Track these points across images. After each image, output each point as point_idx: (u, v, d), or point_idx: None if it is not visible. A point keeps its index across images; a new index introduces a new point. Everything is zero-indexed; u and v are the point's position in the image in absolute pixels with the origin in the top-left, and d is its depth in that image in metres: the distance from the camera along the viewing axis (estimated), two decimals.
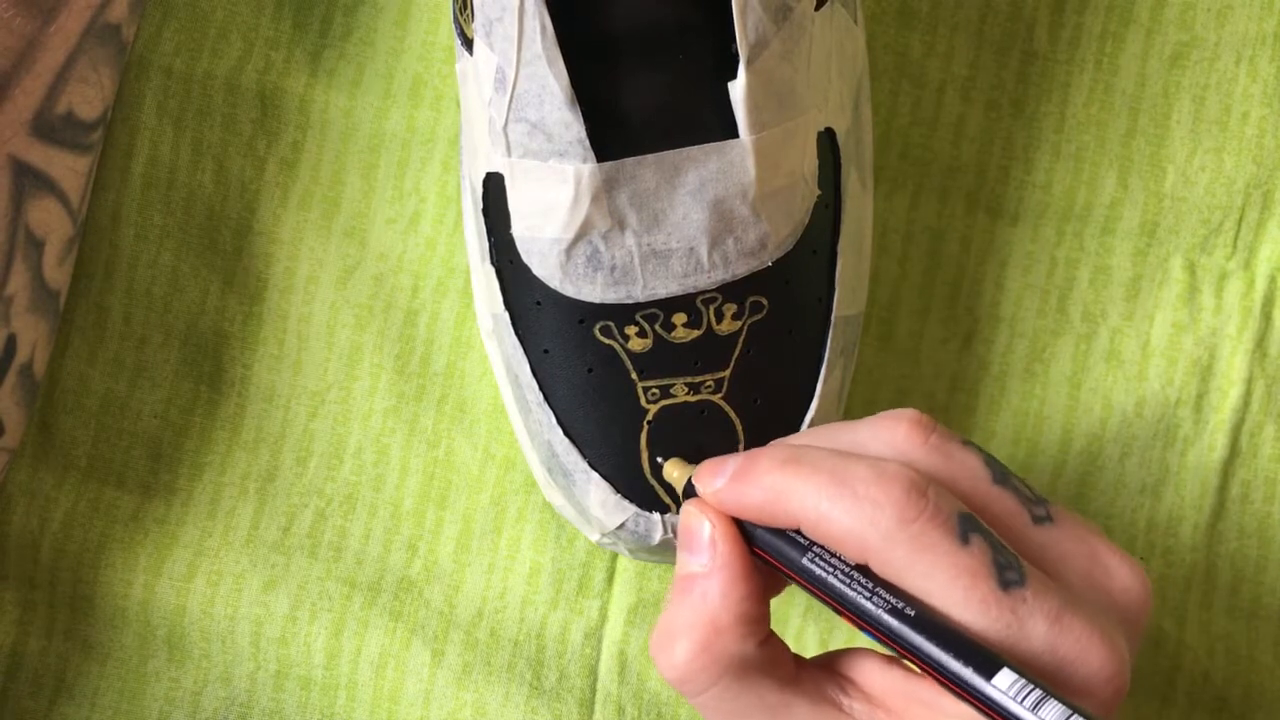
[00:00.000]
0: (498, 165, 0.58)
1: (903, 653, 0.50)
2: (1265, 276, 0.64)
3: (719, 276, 0.58)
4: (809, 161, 0.59)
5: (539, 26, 0.56)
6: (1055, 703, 0.48)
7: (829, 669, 0.53)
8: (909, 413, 0.52)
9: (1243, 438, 0.64)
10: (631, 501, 0.59)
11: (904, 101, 0.65)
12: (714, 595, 0.52)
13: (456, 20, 0.59)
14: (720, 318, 0.58)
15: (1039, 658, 0.50)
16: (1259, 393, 0.64)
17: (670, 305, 0.58)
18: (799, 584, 0.52)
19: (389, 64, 0.65)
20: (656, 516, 0.59)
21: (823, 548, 0.51)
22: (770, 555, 0.52)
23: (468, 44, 0.58)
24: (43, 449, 0.64)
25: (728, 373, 0.59)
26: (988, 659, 0.49)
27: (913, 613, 0.50)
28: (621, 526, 0.59)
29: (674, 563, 0.62)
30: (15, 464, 0.64)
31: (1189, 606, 0.64)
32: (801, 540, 0.52)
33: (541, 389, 0.60)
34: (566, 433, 0.59)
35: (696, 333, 0.58)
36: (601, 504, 0.59)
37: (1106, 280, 0.65)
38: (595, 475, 0.59)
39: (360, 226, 0.65)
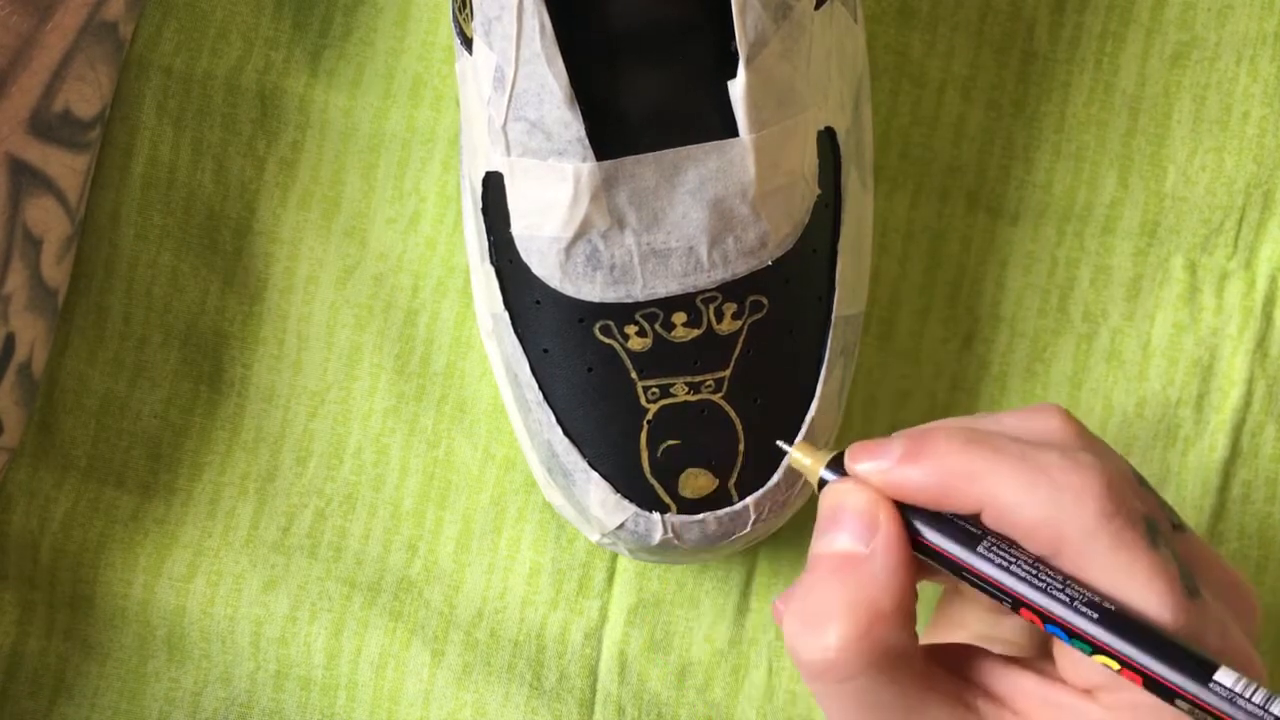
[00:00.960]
0: (497, 164, 0.58)
1: (1104, 649, 0.48)
2: (1266, 276, 0.64)
3: (719, 276, 0.58)
4: (809, 160, 0.59)
5: (538, 25, 0.56)
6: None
7: (949, 666, 0.51)
8: (1056, 407, 0.51)
9: (1244, 438, 0.64)
10: (631, 501, 0.59)
11: (904, 101, 0.65)
12: (877, 577, 0.49)
13: (456, 19, 0.59)
14: (720, 317, 0.58)
15: None
16: (1260, 393, 0.64)
17: (670, 304, 0.58)
18: (961, 574, 0.50)
19: (389, 64, 0.65)
20: (656, 516, 0.59)
21: (997, 537, 0.49)
22: (937, 543, 0.50)
23: (467, 43, 0.58)
24: (43, 449, 0.64)
25: (728, 372, 0.59)
26: (1203, 659, 0.47)
27: (1113, 608, 0.48)
28: (621, 526, 0.59)
29: (673, 562, 0.62)
30: (15, 464, 0.64)
31: None
32: (973, 529, 0.49)
33: (541, 388, 0.60)
34: (566, 432, 0.59)
35: (696, 332, 0.58)
36: (601, 504, 0.59)
37: (1107, 280, 0.64)
38: (595, 475, 0.59)
39: (360, 226, 0.65)
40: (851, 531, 0.50)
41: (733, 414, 0.59)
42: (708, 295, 0.58)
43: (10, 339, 0.60)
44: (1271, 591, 0.64)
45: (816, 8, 0.58)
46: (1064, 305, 0.64)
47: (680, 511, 0.59)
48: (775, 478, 0.59)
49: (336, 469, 0.64)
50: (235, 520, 0.64)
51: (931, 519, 0.50)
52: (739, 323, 0.58)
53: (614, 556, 0.64)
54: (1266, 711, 0.47)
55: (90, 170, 0.62)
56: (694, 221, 0.57)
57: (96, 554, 0.64)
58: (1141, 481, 0.51)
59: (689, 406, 0.59)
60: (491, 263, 0.60)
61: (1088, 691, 0.50)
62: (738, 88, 0.56)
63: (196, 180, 0.65)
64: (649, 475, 0.59)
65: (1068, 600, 0.48)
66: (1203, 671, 0.47)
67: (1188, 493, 0.64)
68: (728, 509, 0.59)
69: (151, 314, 0.64)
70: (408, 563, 0.64)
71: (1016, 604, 0.49)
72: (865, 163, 0.62)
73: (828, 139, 0.60)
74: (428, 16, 0.65)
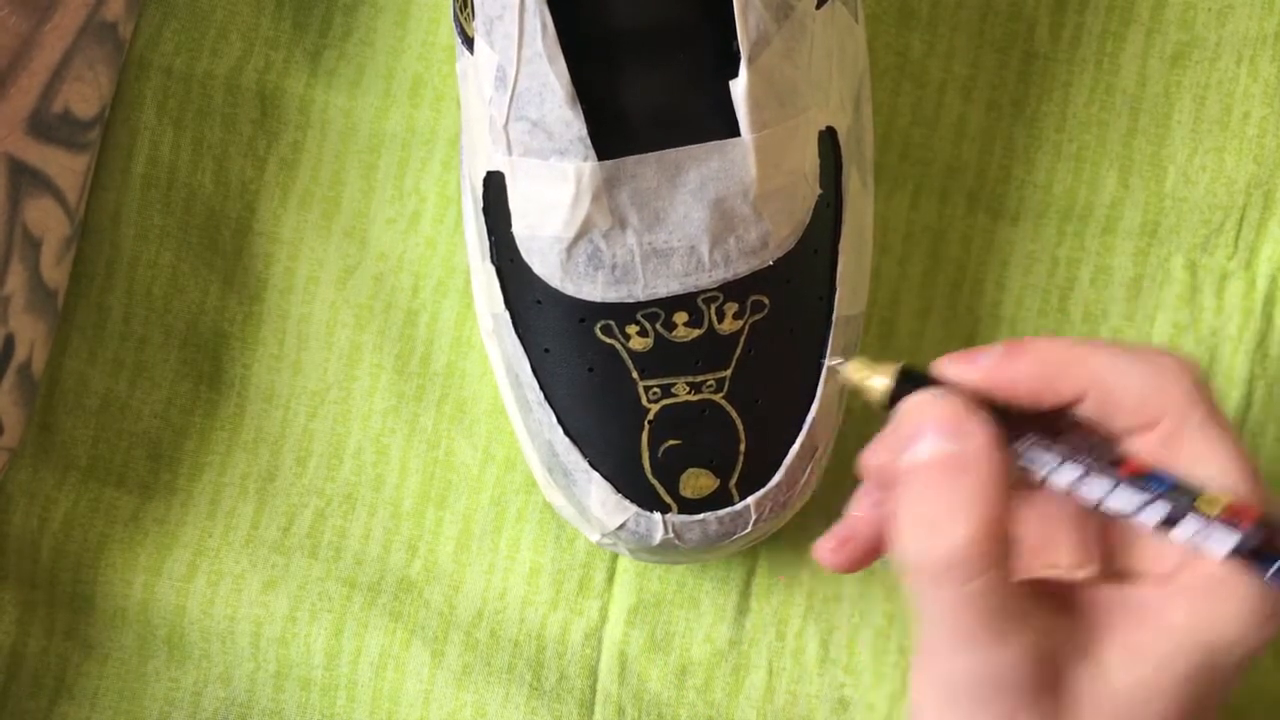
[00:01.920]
0: (498, 164, 0.58)
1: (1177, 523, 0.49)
2: (1266, 276, 0.64)
3: (720, 275, 0.58)
4: (810, 160, 0.59)
5: (539, 25, 0.56)
6: None
7: (1033, 583, 0.51)
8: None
9: (1244, 438, 0.64)
10: (632, 501, 0.59)
11: (904, 101, 0.65)
12: (987, 475, 0.49)
13: (457, 19, 0.59)
14: (721, 317, 0.58)
15: None
16: (1260, 393, 0.64)
17: (671, 304, 0.58)
18: (1047, 469, 0.50)
19: (389, 64, 0.65)
20: (657, 516, 0.59)
21: (1082, 440, 0.50)
22: (1026, 442, 0.50)
23: (468, 43, 0.58)
24: (43, 449, 0.64)
25: (729, 372, 0.59)
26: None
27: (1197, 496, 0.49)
28: (622, 526, 0.59)
29: (674, 562, 0.62)
30: (15, 464, 0.64)
31: None
32: (1053, 426, 0.51)
33: (542, 388, 0.60)
34: (567, 432, 0.59)
35: (698, 332, 0.58)
36: (602, 504, 0.59)
37: (1107, 280, 0.65)
38: (596, 475, 0.59)
39: (360, 226, 0.65)
40: (947, 435, 0.50)
41: (734, 414, 0.59)
42: (709, 295, 0.58)
43: (10, 339, 0.59)
44: None
45: (818, 7, 0.58)
46: (1064, 305, 0.64)
47: (681, 511, 0.59)
48: (776, 478, 0.59)
49: (336, 469, 0.64)
50: (235, 520, 0.64)
51: (1015, 419, 0.51)
52: (740, 322, 0.58)
53: (614, 556, 0.64)
54: None
55: (90, 171, 0.62)
56: (695, 221, 0.57)
57: (96, 554, 0.64)
58: None
59: (690, 406, 0.59)
60: (492, 262, 0.60)
61: (1163, 580, 0.50)
62: (739, 87, 0.56)
63: (196, 180, 0.65)
64: (650, 475, 0.59)
65: (1159, 492, 0.50)
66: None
67: None
68: (728, 509, 0.59)
69: (151, 314, 0.64)
70: (408, 563, 0.64)
71: (1111, 489, 0.50)
72: (866, 163, 0.62)
73: (829, 139, 0.60)
74: (428, 16, 0.65)
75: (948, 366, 0.51)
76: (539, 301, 0.59)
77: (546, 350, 0.59)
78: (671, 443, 0.59)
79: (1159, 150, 0.65)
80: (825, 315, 0.60)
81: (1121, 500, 0.50)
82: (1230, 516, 0.49)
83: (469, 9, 0.58)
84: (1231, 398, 0.64)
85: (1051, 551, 0.52)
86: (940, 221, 0.65)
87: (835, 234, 0.60)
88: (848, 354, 0.61)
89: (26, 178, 0.59)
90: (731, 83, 0.57)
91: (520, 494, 0.64)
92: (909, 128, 0.65)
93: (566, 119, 0.56)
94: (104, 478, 0.64)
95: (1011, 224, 0.65)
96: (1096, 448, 0.51)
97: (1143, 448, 0.50)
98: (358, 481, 0.64)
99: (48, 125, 0.59)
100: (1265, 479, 0.64)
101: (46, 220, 0.60)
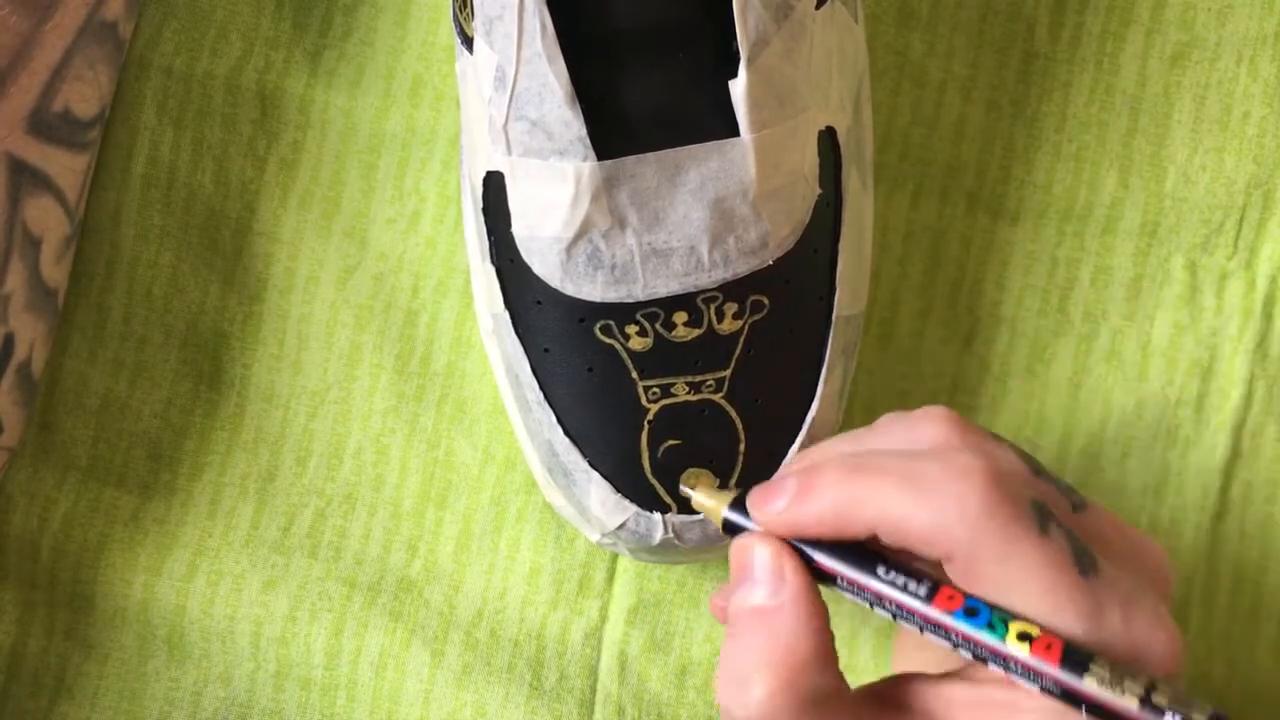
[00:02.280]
0: (498, 164, 0.58)
1: (1002, 660, 0.49)
2: (1266, 277, 0.64)
3: (720, 275, 0.58)
4: (810, 160, 0.59)
5: (539, 24, 0.56)
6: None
7: (882, 699, 0.52)
8: (940, 410, 0.52)
9: (1244, 439, 0.64)
10: (632, 501, 0.59)
11: (904, 101, 0.65)
12: (791, 627, 0.50)
13: (456, 19, 0.59)
14: (721, 317, 0.58)
15: (1116, 644, 0.49)
16: (1260, 393, 0.64)
17: (671, 304, 0.58)
18: (871, 602, 0.51)
19: (389, 64, 0.65)
20: (657, 516, 0.59)
21: (893, 562, 0.50)
22: (841, 573, 0.51)
23: (468, 43, 0.58)
24: (43, 449, 0.64)
25: (728, 372, 0.59)
26: (1080, 657, 0.49)
27: (1006, 620, 0.49)
28: (622, 526, 0.59)
29: (674, 562, 0.62)
30: (15, 464, 0.64)
31: (1190, 607, 0.64)
32: (870, 554, 0.51)
33: (542, 388, 0.60)
34: (567, 432, 0.59)
35: (697, 332, 0.58)
36: (602, 504, 0.59)
37: (1107, 280, 0.64)
38: (595, 475, 0.59)
39: (360, 226, 0.65)
40: (762, 584, 0.51)
41: (733, 414, 0.59)
42: (709, 295, 0.58)
43: (9, 339, 0.59)
44: (1272, 592, 0.64)
45: (817, 7, 0.58)
46: (1064, 305, 0.64)
47: (681, 511, 0.59)
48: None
49: (336, 469, 0.64)
50: (235, 520, 0.64)
51: (834, 553, 0.51)
52: (740, 322, 0.58)
53: (614, 556, 0.64)
54: (1146, 703, 0.48)
55: (90, 170, 0.62)
56: (695, 221, 0.57)
57: (96, 554, 0.64)
58: (1037, 468, 0.51)
59: (690, 406, 0.59)
60: (492, 262, 0.60)
61: (1012, 683, 0.50)
62: (739, 87, 0.56)
63: (196, 180, 0.65)
64: (650, 475, 0.59)
65: (964, 616, 0.50)
66: (1078, 668, 0.49)
67: (1188, 493, 0.64)
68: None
69: (151, 314, 0.64)
70: (408, 563, 0.64)
71: (921, 624, 0.50)
72: (866, 163, 0.62)
73: (828, 139, 0.60)
74: (428, 16, 0.65)
75: (755, 506, 0.52)
76: (539, 301, 0.59)
77: (546, 350, 0.59)
78: (671, 443, 0.59)
79: (1159, 150, 0.65)
80: (825, 315, 0.60)
81: (934, 638, 0.50)
82: (1034, 656, 0.49)
83: (468, 9, 0.58)
84: (1231, 398, 0.64)
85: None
86: (940, 221, 0.65)
87: (835, 234, 0.60)
88: (847, 355, 0.61)
89: (26, 177, 0.59)
90: (731, 83, 0.57)
91: (520, 494, 0.64)
92: (909, 128, 0.65)
93: (566, 119, 0.56)
94: (104, 478, 0.64)
95: (1011, 224, 0.65)
96: (915, 574, 0.50)
97: (952, 579, 0.50)
98: (358, 481, 0.64)
99: (48, 124, 0.59)
100: (1265, 480, 0.64)
101: (46, 219, 0.60)
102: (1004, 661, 0.49)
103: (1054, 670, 0.48)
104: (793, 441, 0.59)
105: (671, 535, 0.59)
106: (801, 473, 0.51)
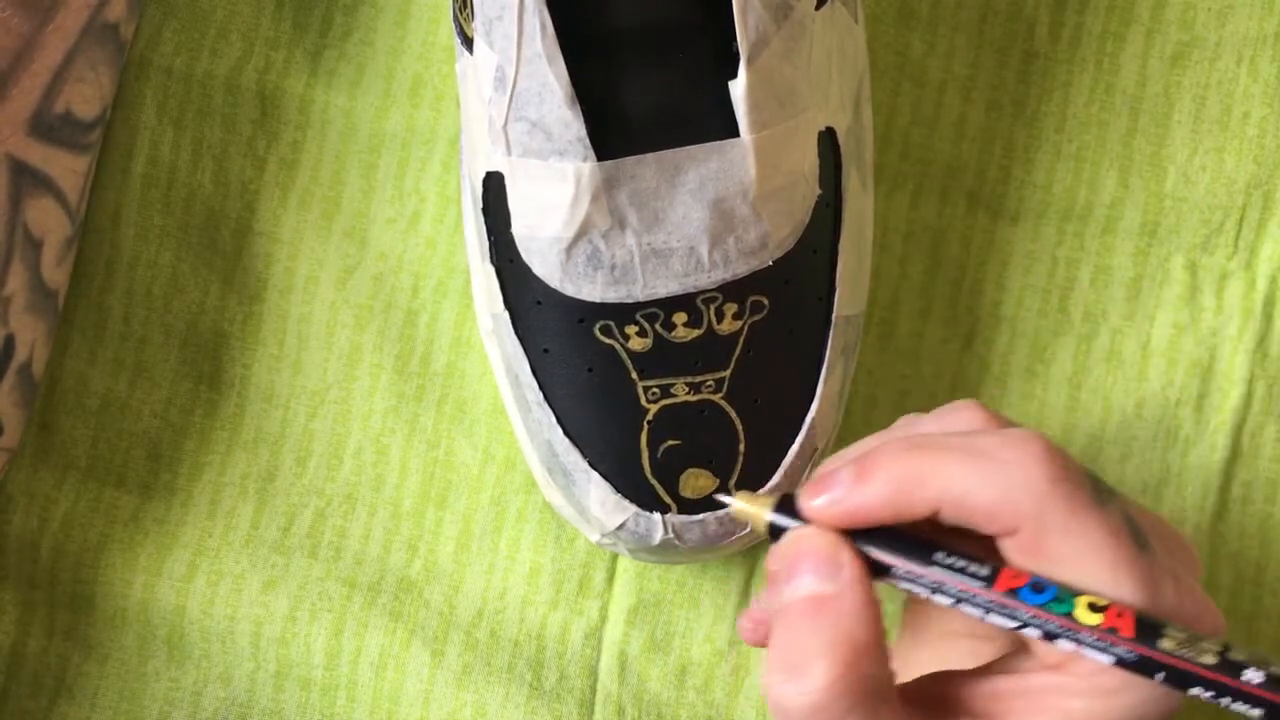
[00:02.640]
0: (498, 164, 0.58)
1: (1071, 636, 0.49)
2: (1266, 277, 0.64)
3: (719, 276, 0.58)
4: (809, 161, 0.59)
5: (539, 25, 0.56)
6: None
7: (927, 696, 0.51)
8: (969, 401, 0.52)
9: (1244, 439, 0.64)
10: (632, 501, 0.59)
11: (904, 101, 0.65)
12: (851, 612, 0.49)
13: (456, 19, 0.59)
14: (721, 317, 0.58)
15: (1171, 618, 0.49)
16: (1260, 393, 0.64)
17: (671, 304, 0.58)
18: (926, 588, 0.50)
19: (389, 64, 0.65)
20: (657, 516, 0.59)
21: (949, 547, 0.50)
22: (898, 563, 0.50)
23: (467, 43, 0.58)
24: (43, 449, 0.64)
25: (728, 372, 0.59)
26: (1154, 623, 0.49)
27: (1073, 594, 0.49)
28: (622, 526, 0.59)
29: (674, 563, 0.62)
30: (15, 464, 0.64)
31: None
32: (924, 543, 0.50)
33: (541, 388, 0.60)
34: (566, 432, 0.59)
35: (697, 332, 0.58)
36: (601, 504, 0.59)
37: (1107, 280, 0.64)
38: (595, 475, 0.59)
39: (360, 226, 0.65)
40: (816, 573, 0.50)
41: (733, 414, 0.59)
42: (708, 295, 0.58)
43: (10, 340, 0.60)
44: (1271, 592, 0.64)
45: (817, 8, 0.58)
46: (1064, 305, 0.64)
47: (681, 511, 0.59)
48: (776, 478, 0.59)
49: (336, 469, 0.64)
50: (235, 520, 0.64)
51: (889, 544, 0.50)
52: (739, 323, 0.58)
53: (614, 557, 0.64)
54: (1216, 664, 0.48)
55: (91, 171, 0.62)
56: (695, 222, 0.57)
57: (96, 554, 0.64)
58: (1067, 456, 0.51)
59: (689, 406, 0.59)
60: (492, 263, 0.60)
61: (1058, 666, 0.50)
62: (739, 88, 0.56)
63: (196, 180, 0.65)
64: (649, 475, 0.59)
65: (1031, 603, 0.49)
66: (1153, 633, 0.48)
67: (1188, 493, 0.64)
68: (728, 509, 0.59)
69: (151, 314, 0.64)
70: (408, 563, 0.64)
71: (987, 607, 0.50)
72: (866, 163, 0.62)
73: (828, 139, 0.60)
74: (428, 16, 0.65)
75: (805, 501, 0.51)
76: (538, 302, 0.59)
77: (546, 350, 0.59)
78: (671, 443, 0.59)
79: (1159, 150, 0.65)
80: (825, 315, 0.60)
81: (999, 620, 0.50)
82: (1108, 626, 0.48)
83: (468, 9, 0.58)
84: (1231, 398, 0.64)
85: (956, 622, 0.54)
86: (940, 221, 0.65)
87: (835, 234, 0.60)
88: (847, 355, 0.61)
89: (28, 178, 0.59)
90: (731, 83, 0.57)
91: (520, 494, 0.64)
92: (909, 127, 0.65)
93: (566, 119, 0.56)
94: (104, 478, 0.64)
95: (1011, 224, 0.65)
96: (974, 558, 0.50)
97: (1012, 557, 0.50)
98: (358, 481, 0.64)
99: (49, 126, 0.59)
100: (1265, 480, 0.64)
101: (47, 221, 0.60)
102: (1075, 635, 0.49)
103: (1130, 638, 0.48)
104: (792, 442, 0.59)
105: (671, 535, 0.59)
106: (855, 461, 0.50)
